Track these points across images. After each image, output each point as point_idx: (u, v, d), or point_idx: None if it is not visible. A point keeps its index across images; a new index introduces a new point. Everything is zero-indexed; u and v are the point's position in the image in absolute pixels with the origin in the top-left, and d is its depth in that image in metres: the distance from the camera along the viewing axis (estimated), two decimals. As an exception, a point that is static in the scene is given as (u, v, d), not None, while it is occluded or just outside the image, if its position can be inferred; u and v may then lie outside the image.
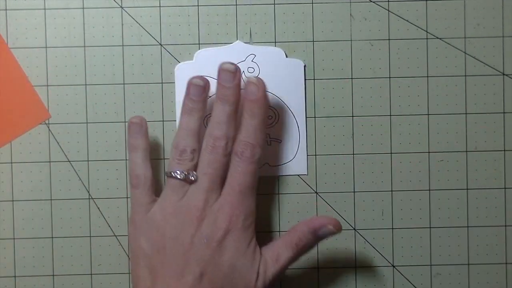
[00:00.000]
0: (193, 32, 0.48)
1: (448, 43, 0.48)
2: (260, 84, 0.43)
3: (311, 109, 0.48)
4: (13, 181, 0.48)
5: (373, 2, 0.48)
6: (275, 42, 0.48)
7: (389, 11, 0.48)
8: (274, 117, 0.48)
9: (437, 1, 0.48)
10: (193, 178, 0.42)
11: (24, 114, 0.48)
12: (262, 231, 0.48)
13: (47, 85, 0.48)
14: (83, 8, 0.48)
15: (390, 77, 0.48)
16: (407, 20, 0.48)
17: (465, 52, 0.48)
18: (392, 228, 0.48)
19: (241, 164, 0.42)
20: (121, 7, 0.48)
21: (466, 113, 0.48)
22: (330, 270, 0.48)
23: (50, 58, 0.48)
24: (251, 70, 0.48)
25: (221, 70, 0.43)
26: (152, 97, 0.48)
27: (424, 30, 0.48)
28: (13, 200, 0.48)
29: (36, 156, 0.48)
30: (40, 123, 0.48)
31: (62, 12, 0.48)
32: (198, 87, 0.43)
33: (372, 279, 0.48)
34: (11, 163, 0.48)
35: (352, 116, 0.48)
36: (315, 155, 0.48)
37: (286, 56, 0.48)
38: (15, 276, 0.48)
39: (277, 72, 0.48)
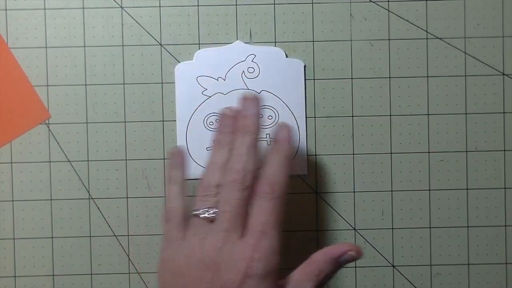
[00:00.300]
0: (193, 32, 0.48)
1: (448, 43, 0.48)
2: (290, 128, 0.42)
3: (311, 109, 0.48)
4: (13, 181, 0.48)
5: (373, 2, 0.48)
6: (275, 42, 0.48)
7: (389, 11, 0.48)
8: (274, 117, 0.48)
9: (437, 1, 0.48)
10: (212, 216, 0.40)
11: (24, 114, 0.48)
12: (262, 231, 0.48)
13: (47, 85, 0.48)
14: (83, 8, 0.48)
15: (390, 77, 0.48)
16: (407, 20, 0.48)
17: (465, 52, 0.48)
18: (392, 228, 0.48)
19: (260, 202, 0.39)
20: (121, 7, 0.48)
21: (466, 113, 0.48)
22: (330, 270, 0.48)
23: (50, 58, 0.48)
24: (251, 70, 0.48)
25: (241, 99, 0.42)
26: (152, 97, 0.48)
27: (424, 30, 0.48)
28: (13, 200, 0.48)
29: (36, 156, 0.48)
30: (40, 123, 0.48)
31: (62, 12, 0.48)
32: (229, 117, 0.42)
33: (372, 279, 0.48)
34: (11, 163, 0.48)
35: (352, 116, 0.48)
36: (315, 155, 0.48)
37: (286, 56, 0.48)
38: (15, 276, 0.48)
39: (277, 72, 0.48)
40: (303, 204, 0.48)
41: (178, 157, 0.43)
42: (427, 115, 0.48)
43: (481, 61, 0.48)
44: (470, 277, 0.48)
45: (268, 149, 0.42)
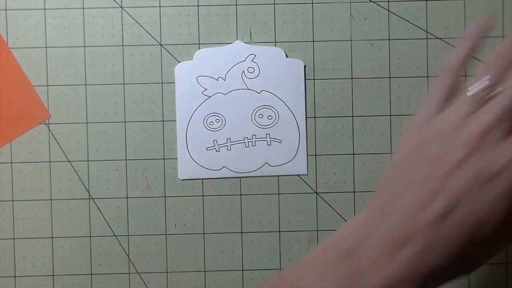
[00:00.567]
0: (193, 32, 0.48)
1: (448, 43, 0.48)
2: None
3: (311, 109, 0.48)
4: (13, 181, 0.48)
5: (373, 2, 0.48)
6: (275, 42, 0.48)
7: (389, 11, 0.48)
8: (274, 117, 0.48)
9: (437, 1, 0.48)
10: (489, 89, 0.36)
11: (24, 114, 0.48)
12: (262, 231, 0.48)
13: (47, 85, 0.48)
14: (83, 8, 0.48)
15: (390, 77, 0.48)
16: (407, 20, 0.48)
17: (465, 52, 0.48)
18: (392, 228, 0.48)
19: None
20: (121, 7, 0.48)
21: (466, 113, 0.48)
22: (330, 270, 0.48)
23: (50, 58, 0.48)
24: (251, 70, 0.48)
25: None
26: (152, 97, 0.48)
27: (424, 30, 0.48)
28: (13, 200, 0.48)
29: (36, 156, 0.48)
30: (40, 123, 0.48)
31: (62, 12, 0.48)
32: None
33: (372, 279, 0.48)
34: (11, 163, 0.48)
35: (352, 116, 0.48)
36: (315, 155, 0.48)
37: (286, 56, 0.48)
38: (15, 276, 0.48)
39: (277, 72, 0.48)
40: (303, 204, 0.48)
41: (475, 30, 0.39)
42: (427, 115, 0.48)
43: (481, 61, 0.48)
44: (470, 276, 0.48)
45: None
